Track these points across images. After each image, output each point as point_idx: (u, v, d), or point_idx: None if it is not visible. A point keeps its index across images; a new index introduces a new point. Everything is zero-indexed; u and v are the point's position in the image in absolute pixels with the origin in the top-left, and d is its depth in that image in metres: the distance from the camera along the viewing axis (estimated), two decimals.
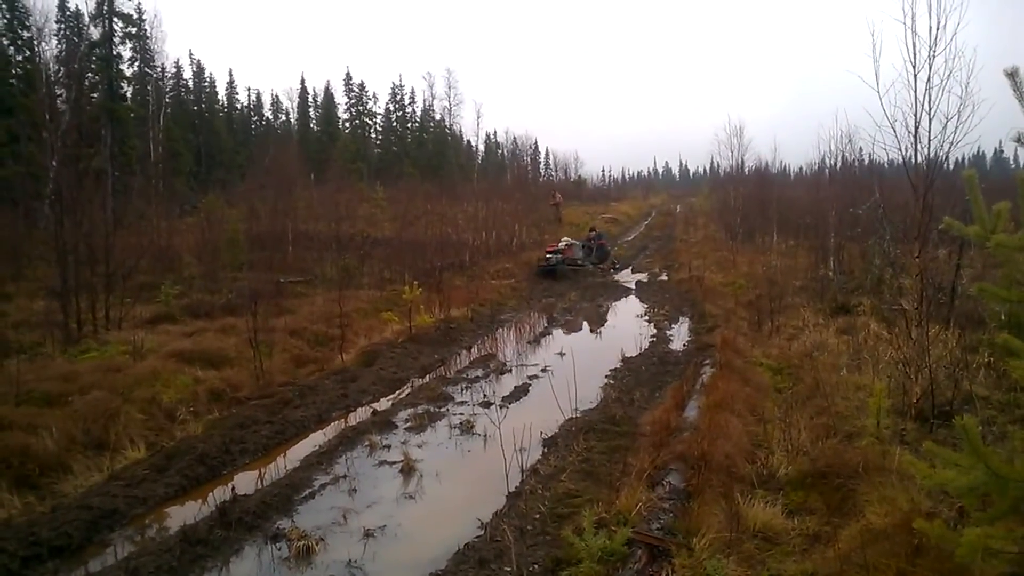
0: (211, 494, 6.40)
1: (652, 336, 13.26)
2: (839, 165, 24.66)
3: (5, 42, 37.42)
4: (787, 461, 6.38)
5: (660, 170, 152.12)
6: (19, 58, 37.70)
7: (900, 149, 8.24)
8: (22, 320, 12.54)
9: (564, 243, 24.16)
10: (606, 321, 15.46)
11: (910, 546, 4.09)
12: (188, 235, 22.60)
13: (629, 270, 25.16)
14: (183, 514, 5.99)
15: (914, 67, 7.94)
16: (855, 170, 24.76)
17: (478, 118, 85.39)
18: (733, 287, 16.68)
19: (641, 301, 18.01)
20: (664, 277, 22.46)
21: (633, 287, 20.57)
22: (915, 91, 7.89)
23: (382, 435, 7.98)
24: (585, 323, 15.24)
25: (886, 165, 19.08)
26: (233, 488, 6.14)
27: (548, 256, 23.06)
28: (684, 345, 12.51)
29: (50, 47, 36.72)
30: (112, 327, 12.07)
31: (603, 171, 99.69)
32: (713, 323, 13.52)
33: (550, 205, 38.41)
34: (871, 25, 8.75)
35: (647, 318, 15.46)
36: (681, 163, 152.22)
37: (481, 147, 77.37)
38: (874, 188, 15.83)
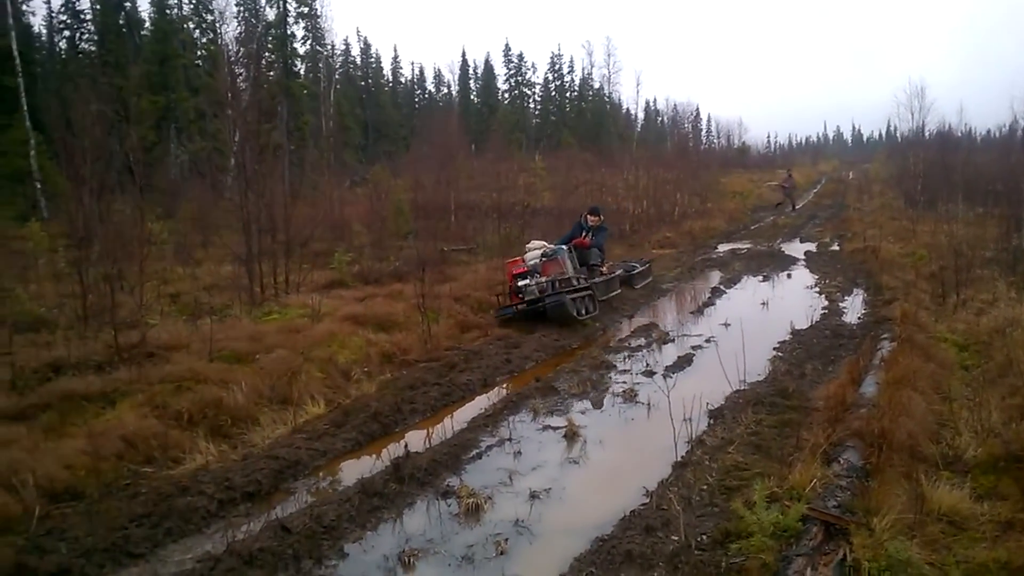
0: (384, 450, 6.68)
1: (824, 308, 12.67)
2: None
3: (191, 25, 40.12)
4: (976, 443, 5.94)
5: (831, 135, 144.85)
6: (203, 40, 40.35)
7: None
8: (212, 284, 13.54)
9: (536, 255, 12.41)
10: (773, 292, 14.89)
11: None
12: (358, 205, 23.55)
13: (797, 240, 23.96)
14: (359, 467, 6.29)
15: None
16: None
17: (637, 85, 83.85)
18: (913, 258, 15.65)
19: (811, 272, 17.22)
20: (835, 247, 21.34)
21: (802, 257, 19.69)
22: None
23: (545, 400, 8.07)
24: (751, 294, 14.75)
25: None
26: (406, 445, 6.40)
27: (523, 284, 11.87)
28: (859, 318, 11.87)
29: (230, 29, 39.06)
30: (291, 291, 12.79)
31: (768, 137, 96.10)
32: (891, 296, 12.75)
33: (777, 187, 34.72)
34: None
35: (818, 289, 14.78)
36: (854, 128, 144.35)
37: (641, 115, 76.28)
38: None
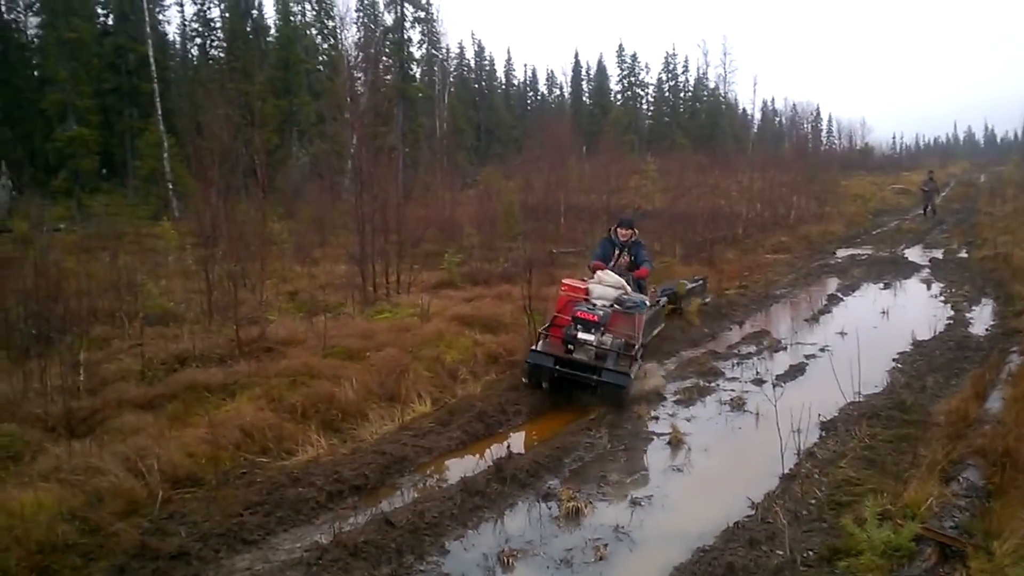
0: (487, 450, 6.76)
1: (948, 318, 12.04)
2: None
3: (313, 31, 41.64)
4: None
5: (961, 136, 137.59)
6: (324, 46, 41.79)
7: None
8: (328, 282, 14.01)
9: (610, 298, 8.70)
10: (894, 300, 14.25)
11: None
12: (469, 206, 23.90)
13: (922, 246, 22.82)
14: (463, 466, 6.38)
15: None
16: None
17: (754, 85, 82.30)
18: None
19: (936, 280, 16.39)
20: (963, 254, 20.22)
21: (927, 264, 18.76)
22: None
23: (650, 406, 8.00)
24: (870, 302, 14.17)
25: None
26: (508, 446, 6.47)
27: (582, 337, 8.09)
28: (986, 330, 11.23)
29: (350, 34, 40.33)
30: (402, 291, 13.10)
31: (893, 138, 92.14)
32: (1022, 307, 12.03)
33: (927, 189, 30.40)
34: None
35: (943, 299, 14.06)
36: (986, 127, 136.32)
37: (757, 115, 74.39)
38: None
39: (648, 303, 9.01)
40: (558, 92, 73.88)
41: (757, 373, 9.20)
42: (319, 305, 11.44)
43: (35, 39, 36.57)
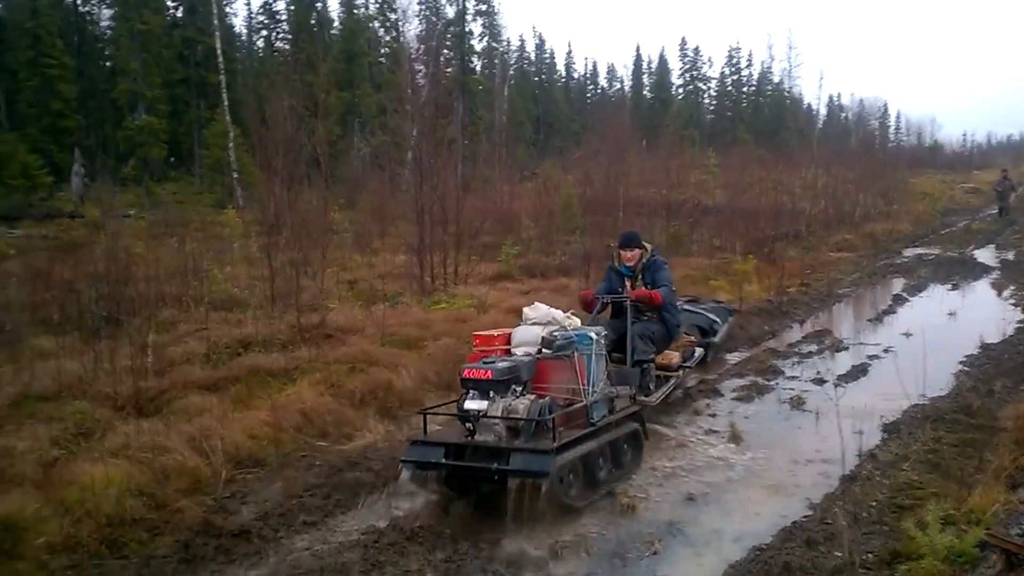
0: None
1: (1019, 321, 11.67)
2: None
3: (376, 24, 42.07)
4: None
5: None
6: (387, 38, 42.20)
7: None
8: (387, 272, 14.16)
9: (530, 338, 5.80)
10: (962, 302, 13.86)
11: None
12: (527, 199, 23.90)
13: (992, 246, 22.13)
14: None
15: None
16: None
17: (820, 80, 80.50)
18: None
19: (1007, 282, 15.90)
20: None
21: (997, 266, 18.21)
22: None
23: (708, 402, 7.92)
24: (937, 303, 13.81)
25: None
26: None
27: (473, 408, 5.19)
28: None
29: (412, 27, 40.68)
30: (460, 282, 13.18)
31: (964, 136, 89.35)
32: None
33: (1001, 189, 29.22)
34: None
35: (1013, 301, 13.62)
36: None
37: (823, 110, 72.83)
38: None
39: (599, 338, 5.80)
40: (618, 86, 73.45)
41: (818, 372, 9.03)
42: (378, 294, 11.58)
43: (108, 31, 37.66)
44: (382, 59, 40.74)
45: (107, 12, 37.51)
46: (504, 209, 21.26)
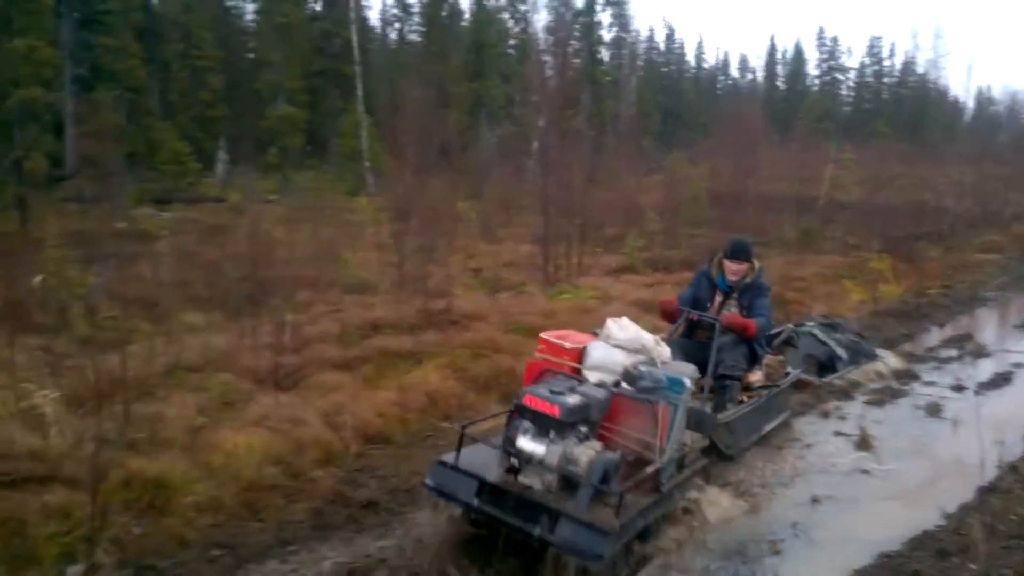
0: None
1: None
2: None
3: (506, 15, 42.45)
4: None
5: None
6: (516, 30, 42.52)
7: None
8: (511, 261, 14.36)
9: (609, 363, 4.76)
10: None
11: None
12: (653, 192, 23.63)
13: None
14: None
15: None
16: None
17: (969, 71, 75.90)
18: None
19: None
20: None
21: None
22: None
23: (838, 404, 7.68)
24: None
25: None
26: None
27: (525, 448, 4.19)
28: None
29: (541, 18, 40.80)
30: (583, 273, 13.21)
31: None
32: None
33: None
34: None
35: None
36: None
37: (971, 104, 68.63)
38: None
39: (688, 389, 4.58)
40: (751, 76, 71.45)
41: (957, 379, 8.58)
42: (502, 282, 11.75)
43: (252, 24, 39.50)
44: (511, 50, 41.07)
45: (251, 6, 39.37)
46: (629, 201, 21.08)
